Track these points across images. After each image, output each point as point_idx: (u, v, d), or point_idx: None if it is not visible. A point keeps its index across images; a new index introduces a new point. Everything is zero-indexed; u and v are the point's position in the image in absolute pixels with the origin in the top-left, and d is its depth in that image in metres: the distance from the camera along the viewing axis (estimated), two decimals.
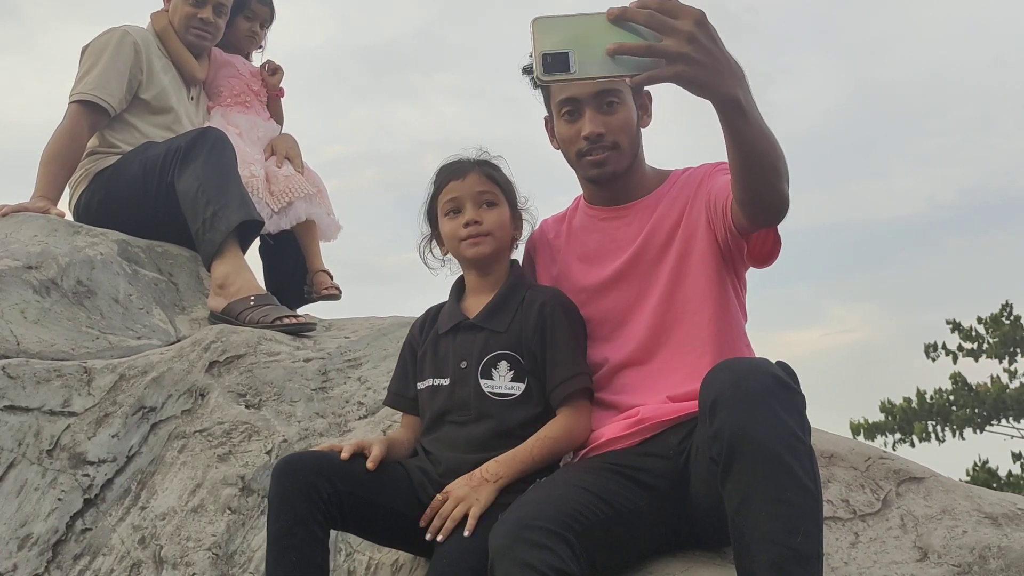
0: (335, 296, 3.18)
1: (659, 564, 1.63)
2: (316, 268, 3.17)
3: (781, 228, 1.71)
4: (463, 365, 1.81)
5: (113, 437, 2.07)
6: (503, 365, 1.79)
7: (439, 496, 1.61)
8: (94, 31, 3.12)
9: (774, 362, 1.47)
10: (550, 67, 1.26)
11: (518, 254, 2.00)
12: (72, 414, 2.07)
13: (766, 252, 1.76)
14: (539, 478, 1.69)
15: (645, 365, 1.80)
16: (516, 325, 1.81)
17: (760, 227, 1.68)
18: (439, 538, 1.58)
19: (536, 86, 1.90)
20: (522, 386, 1.77)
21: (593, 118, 1.79)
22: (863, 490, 1.90)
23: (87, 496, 1.96)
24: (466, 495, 1.60)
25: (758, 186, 1.52)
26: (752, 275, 1.89)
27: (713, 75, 1.30)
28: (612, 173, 1.85)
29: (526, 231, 1.97)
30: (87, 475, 1.99)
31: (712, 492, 1.47)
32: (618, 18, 1.25)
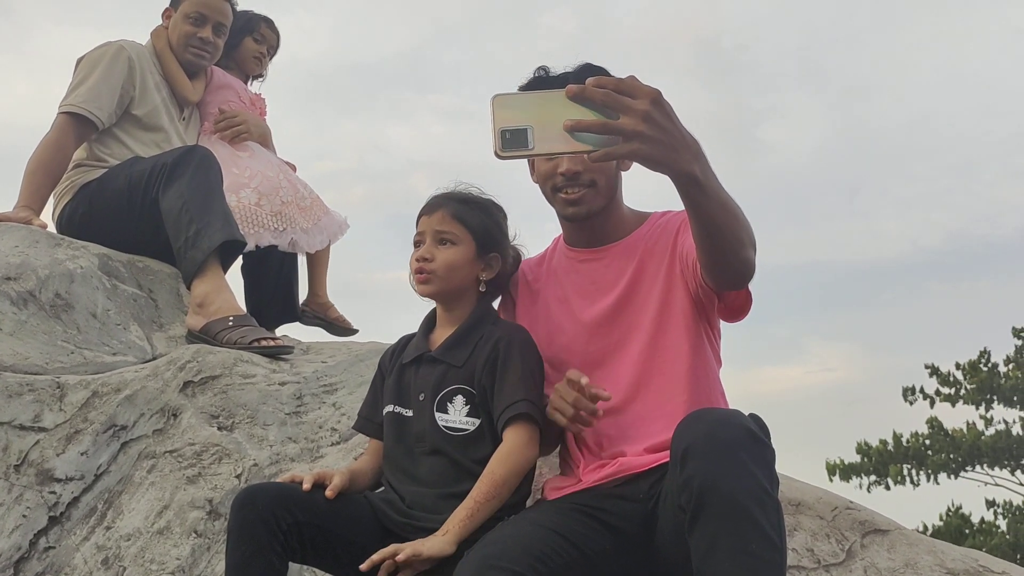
0: (354, 331, 3.34)
1: None
2: (323, 296, 3.29)
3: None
4: (421, 397, 1.82)
5: (82, 455, 2.06)
6: (459, 400, 1.80)
7: (388, 550, 1.59)
8: (87, 33, 3.18)
9: (747, 414, 1.49)
10: (509, 143, 1.28)
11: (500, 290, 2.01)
12: (42, 429, 2.06)
13: (737, 307, 1.78)
14: (507, 515, 1.69)
15: (625, 412, 1.80)
16: (472, 360, 1.82)
17: (725, 290, 1.71)
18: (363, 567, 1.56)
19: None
20: (477, 421, 1.78)
21: (572, 156, 1.81)
22: (828, 540, 1.92)
23: (52, 514, 1.95)
24: (416, 545, 1.59)
25: (719, 256, 1.56)
26: None
27: (669, 152, 1.33)
28: (587, 212, 1.87)
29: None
30: (54, 492, 1.98)
31: (679, 539, 1.48)
32: (576, 96, 1.29)
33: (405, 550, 1.57)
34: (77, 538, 1.94)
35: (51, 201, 3.03)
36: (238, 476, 2.13)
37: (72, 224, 2.96)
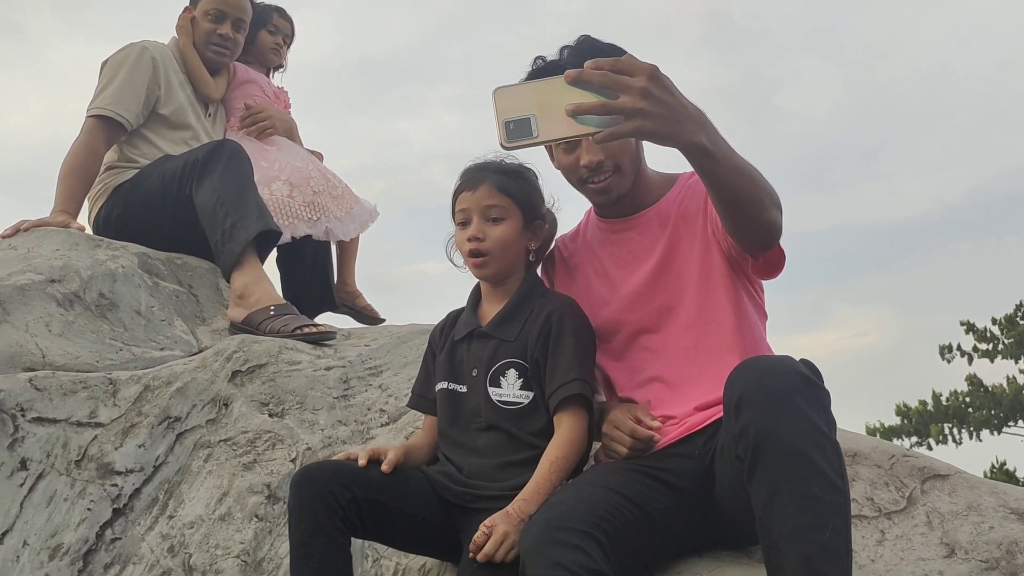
0: (381, 320, 3.35)
1: (686, 564, 1.64)
2: (352, 285, 3.31)
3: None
4: (474, 373, 1.82)
5: (140, 447, 2.09)
6: (511, 373, 1.80)
7: (484, 529, 1.57)
8: (98, 46, 3.18)
9: (798, 360, 1.48)
10: (513, 134, 1.29)
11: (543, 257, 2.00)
12: (99, 425, 2.09)
13: (770, 265, 1.76)
14: (566, 481, 1.70)
15: (674, 377, 1.80)
16: (524, 334, 1.81)
17: (753, 252, 1.69)
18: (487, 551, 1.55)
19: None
20: (531, 394, 1.77)
21: (590, 146, 1.78)
22: (888, 488, 1.90)
23: (116, 506, 1.98)
24: (510, 533, 1.56)
25: (741, 220, 1.55)
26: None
27: (672, 125, 1.34)
28: (617, 196, 1.85)
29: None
30: (115, 485, 2.01)
31: (738, 491, 1.48)
32: (575, 80, 1.30)
33: (504, 547, 1.55)
34: (142, 528, 1.97)
35: (85, 205, 3.06)
36: (292, 460, 2.15)
37: (108, 226, 3.00)
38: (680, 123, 1.34)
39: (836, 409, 1.47)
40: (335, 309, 3.38)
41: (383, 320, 3.41)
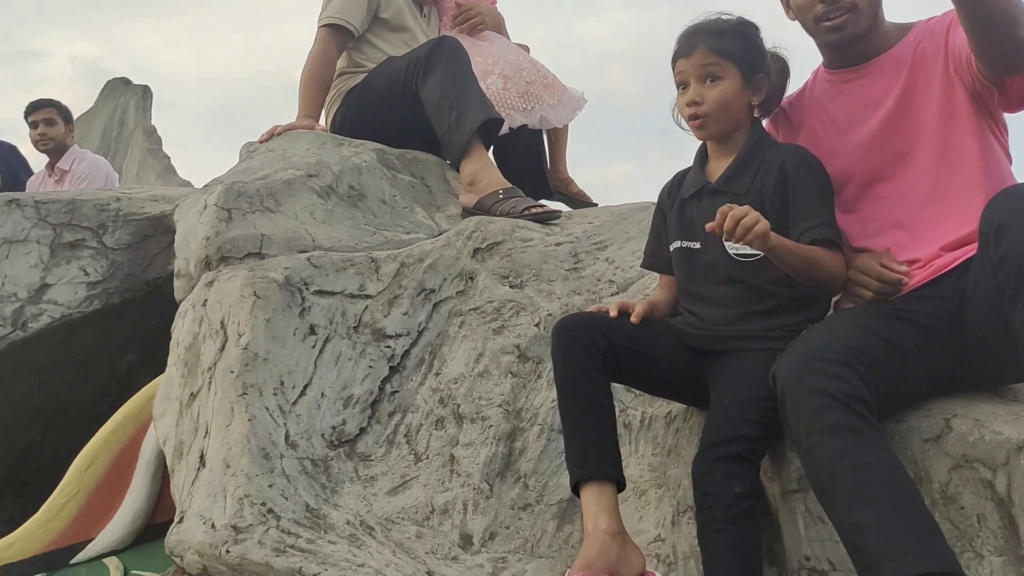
0: (594, 205, 3.49)
1: (938, 401, 1.67)
2: (564, 172, 3.43)
3: None
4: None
5: (404, 315, 2.35)
6: None
7: (721, 211, 1.65)
8: None
9: None
10: None
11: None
12: (368, 296, 2.36)
13: (1020, 96, 1.71)
14: (811, 324, 1.77)
15: (913, 222, 1.80)
16: (757, 186, 1.84)
17: (1004, 76, 1.64)
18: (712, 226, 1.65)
19: None
20: None
21: None
22: None
23: (391, 364, 2.25)
24: (752, 214, 1.63)
25: (991, 38, 1.50)
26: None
27: None
28: (852, 36, 1.84)
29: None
30: (389, 347, 2.27)
31: (994, 324, 1.49)
32: None
33: (750, 216, 1.62)
34: (415, 383, 2.23)
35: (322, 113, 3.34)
36: (536, 325, 2.34)
37: (344, 127, 3.26)
38: None
39: None
40: (550, 196, 3.54)
41: (596, 204, 3.54)
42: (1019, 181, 1.83)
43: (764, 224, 1.63)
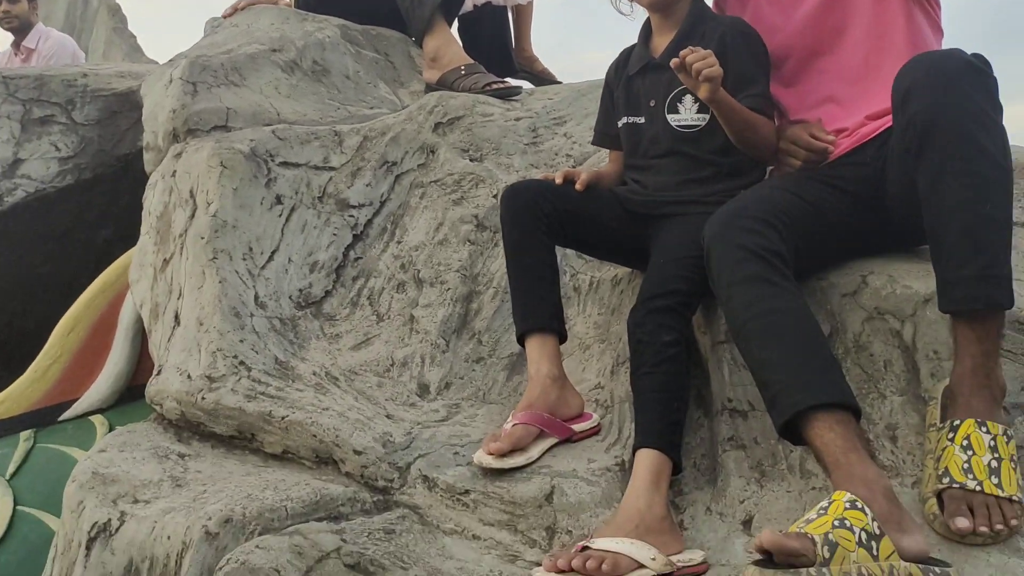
0: (558, 82, 3.51)
1: (857, 261, 1.80)
2: (528, 50, 3.45)
3: None
4: (652, 103, 1.97)
5: (367, 186, 2.45)
6: (688, 99, 1.92)
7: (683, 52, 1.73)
8: None
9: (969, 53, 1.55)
10: None
11: None
12: (331, 168, 2.45)
13: None
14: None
15: (845, 95, 1.88)
16: None
17: None
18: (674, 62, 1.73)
19: None
20: (707, 116, 1.89)
21: None
22: None
23: (355, 232, 2.36)
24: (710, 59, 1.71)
25: None
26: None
27: None
28: None
29: None
30: (351, 216, 2.38)
31: (904, 186, 1.60)
32: None
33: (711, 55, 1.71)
34: (377, 250, 2.35)
35: None
36: (494, 196, 2.44)
37: (309, 2, 3.27)
38: None
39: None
40: (514, 74, 3.58)
41: (560, 83, 3.59)
42: None
43: (719, 69, 1.72)
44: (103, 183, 3.15)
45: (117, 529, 1.60)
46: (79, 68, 3.33)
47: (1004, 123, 1.50)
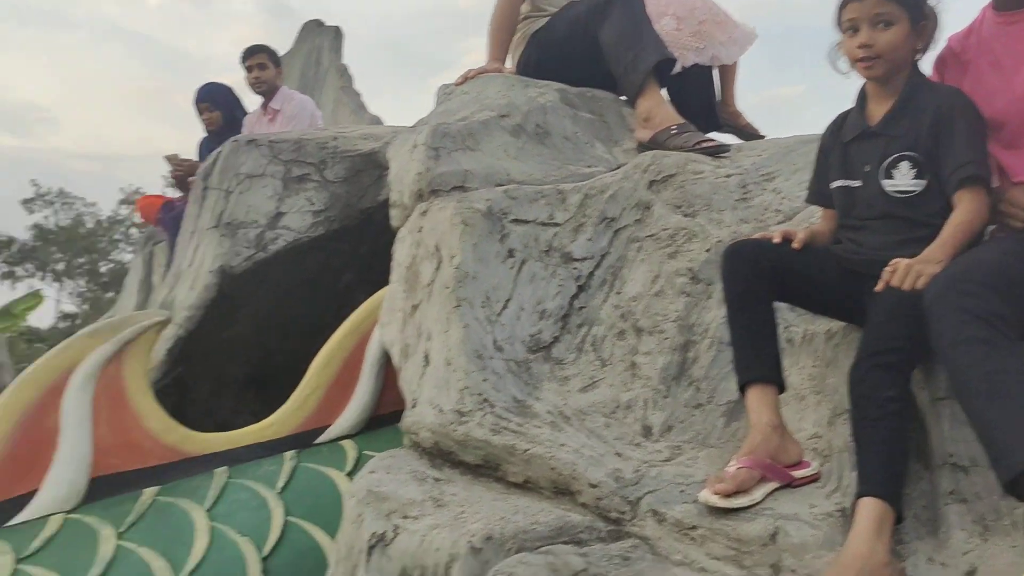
0: (762, 136, 3.65)
1: None
2: (732, 106, 3.61)
3: None
4: (866, 169, 2.07)
5: (588, 240, 2.68)
6: (904, 165, 2.01)
7: (889, 267, 1.87)
8: None
9: None
10: None
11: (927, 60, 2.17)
12: (556, 224, 2.71)
13: None
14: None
15: None
16: (914, 127, 2.00)
17: None
18: (894, 283, 1.85)
19: None
20: (924, 182, 1.97)
21: None
22: None
23: (579, 283, 2.59)
24: (915, 267, 1.84)
25: None
26: None
27: None
28: None
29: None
30: (575, 268, 2.62)
31: None
32: None
33: (912, 272, 1.83)
34: (599, 300, 2.57)
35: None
36: (707, 250, 2.61)
37: (528, 67, 3.57)
38: None
39: None
40: (719, 129, 3.74)
41: (764, 136, 3.71)
42: None
43: (922, 268, 1.82)
44: (348, 233, 3.58)
45: (392, 540, 1.88)
46: (330, 132, 3.80)
47: None
